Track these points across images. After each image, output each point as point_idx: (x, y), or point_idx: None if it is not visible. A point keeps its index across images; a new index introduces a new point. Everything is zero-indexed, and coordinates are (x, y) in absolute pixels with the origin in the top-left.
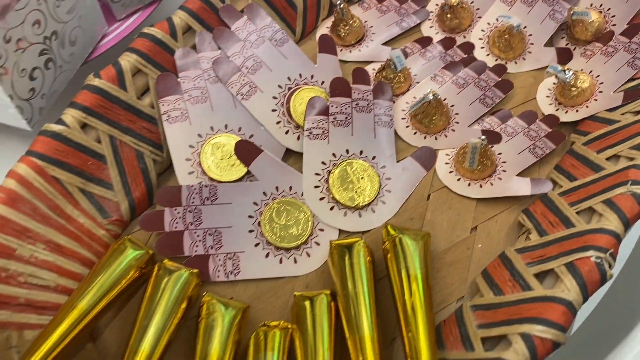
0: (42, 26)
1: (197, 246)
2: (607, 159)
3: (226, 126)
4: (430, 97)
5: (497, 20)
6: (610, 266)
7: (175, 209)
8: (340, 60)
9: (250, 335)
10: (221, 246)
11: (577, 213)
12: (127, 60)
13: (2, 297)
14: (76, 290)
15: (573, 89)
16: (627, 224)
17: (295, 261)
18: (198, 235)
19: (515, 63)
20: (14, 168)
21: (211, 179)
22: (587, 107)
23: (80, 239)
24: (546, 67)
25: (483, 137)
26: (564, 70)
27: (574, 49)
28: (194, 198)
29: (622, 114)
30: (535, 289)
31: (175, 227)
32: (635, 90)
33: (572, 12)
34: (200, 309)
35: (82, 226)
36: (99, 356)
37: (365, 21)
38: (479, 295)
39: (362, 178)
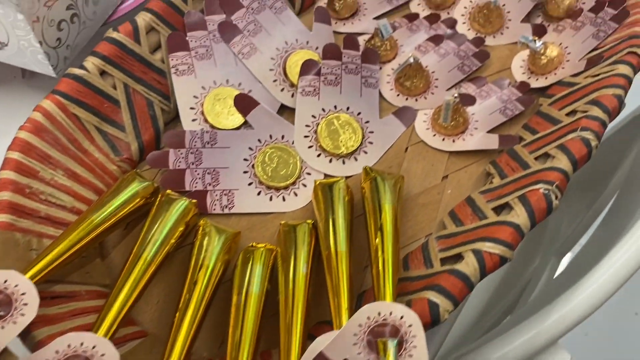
0: None
1: (196, 183)
2: (567, 114)
3: (227, 81)
4: (412, 60)
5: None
6: (556, 197)
7: (179, 150)
8: (335, 32)
9: None
10: (218, 184)
11: (535, 158)
12: (143, 19)
13: (26, 209)
14: (88, 209)
15: (542, 57)
16: (576, 163)
17: (283, 199)
18: (198, 174)
19: (494, 37)
20: (41, 103)
21: (212, 126)
22: (555, 74)
23: (94, 170)
24: None
25: (456, 94)
26: (534, 40)
27: (548, 25)
28: (195, 141)
29: (584, 78)
30: (490, 218)
31: (179, 166)
32: (598, 57)
33: None
34: (197, 232)
35: (96, 160)
36: (107, 269)
37: None
38: (444, 229)
39: (347, 130)
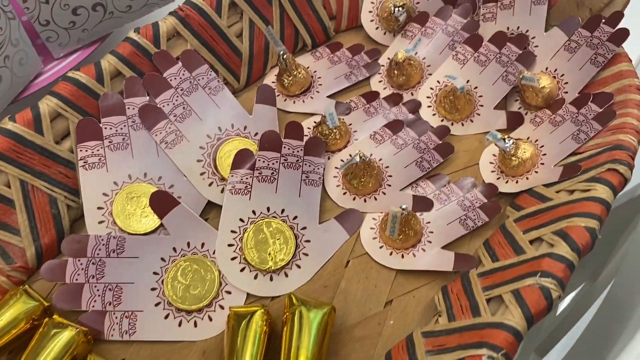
0: None
1: (95, 301)
2: (531, 241)
3: (145, 175)
4: (357, 159)
5: (446, 78)
6: None
7: (79, 260)
8: (283, 111)
9: None
10: (120, 303)
11: (488, 300)
12: (47, 104)
13: None
14: None
15: (513, 158)
16: (531, 320)
17: (195, 325)
18: (98, 290)
19: (462, 125)
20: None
21: (122, 230)
22: (527, 178)
23: None
24: None
25: (404, 206)
26: (504, 139)
27: (526, 113)
28: (99, 249)
29: (557, 192)
30: None
31: (76, 280)
32: (574, 167)
33: (521, 77)
34: None
35: None
36: None
37: (315, 71)
38: None
39: (278, 239)
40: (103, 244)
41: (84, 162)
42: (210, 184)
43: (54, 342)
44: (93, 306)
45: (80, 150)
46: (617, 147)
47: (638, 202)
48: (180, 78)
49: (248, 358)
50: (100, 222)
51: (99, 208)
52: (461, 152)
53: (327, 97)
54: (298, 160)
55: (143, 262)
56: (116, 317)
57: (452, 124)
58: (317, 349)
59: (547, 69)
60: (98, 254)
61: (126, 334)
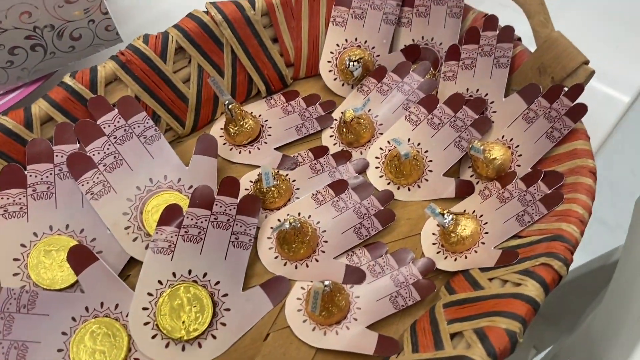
0: None
1: None
2: (452, 334)
3: (67, 226)
4: (287, 225)
5: (391, 141)
6: None
7: None
8: (228, 160)
9: None
10: None
11: None
12: None
13: None
14: None
15: (452, 235)
16: None
17: None
18: (3, 347)
19: (409, 190)
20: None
21: (36, 284)
22: (465, 257)
23: None
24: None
25: (327, 282)
26: (443, 214)
27: (477, 182)
28: (10, 304)
29: (491, 279)
30: None
31: None
32: (512, 253)
33: (470, 147)
34: None
35: None
36: None
37: (266, 120)
38: None
39: (194, 307)
40: (14, 298)
41: (4, 211)
42: (134, 239)
43: None
44: None
45: (2, 198)
46: (557, 238)
47: (610, 270)
48: (115, 126)
49: None
50: (15, 275)
51: (15, 259)
52: (403, 220)
53: (275, 149)
54: (229, 219)
55: (53, 320)
56: None
57: (398, 188)
58: None
59: (503, 137)
60: (8, 309)
61: None
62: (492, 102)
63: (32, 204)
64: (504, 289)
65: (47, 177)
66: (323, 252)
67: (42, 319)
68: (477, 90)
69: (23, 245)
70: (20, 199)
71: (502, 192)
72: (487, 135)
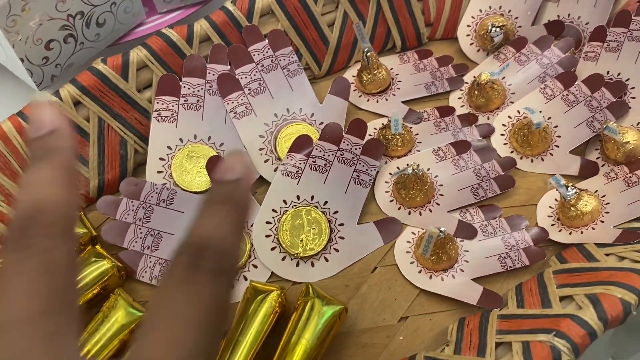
0: (67, 4)
1: (136, 242)
2: (562, 297)
3: (209, 138)
4: (409, 171)
5: (525, 110)
6: None
7: (132, 202)
8: (355, 106)
9: None
10: (157, 250)
11: (497, 344)
12: (137, 54)
13: None
14: None
15: (572, 209)
16: None
17: None
18: (141, 232)
19: (532, 161)
20: (0, 122)
21: (175, 184)
22: (582, 232)
23: None
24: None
25: (443, 229)
26: (567, 186)
27: (603, 165)
28: (152, 196)
29: (607, 255)
30: None
31: (125, 219)
32: (633, 234)
33: (605, 126)
34: (107, 300)
35: None
36: None
37: (397, 74)
38: None
39: (313, 229)
40: (156, 192)
41: (158, 114)
42: (265, 161)
43: (91, 269)
44: (133, 246)
45: (157, 103)
46: None
47: None
48: (263, 55)
49: (253, 332)
50: (159, 172)
51: (161, 159)
52: (522, 189)
53: (402, 102)
54: (354, 157)
55: (186, 217)
56: (150, 262)
57: (521, 158)
58: (318, 342)
59: (638, 124)
60: (149, 200)
61: (155, 279)
62: (633, 88)
63: (182, 113)
64: (621, 264)
65: (198, 90)
66: (438, 204)
67: (177, 215)
68: (619, 74)
69: (169, 148)
70: (173, 106)
71: (630, 177)
72: (622, 120)
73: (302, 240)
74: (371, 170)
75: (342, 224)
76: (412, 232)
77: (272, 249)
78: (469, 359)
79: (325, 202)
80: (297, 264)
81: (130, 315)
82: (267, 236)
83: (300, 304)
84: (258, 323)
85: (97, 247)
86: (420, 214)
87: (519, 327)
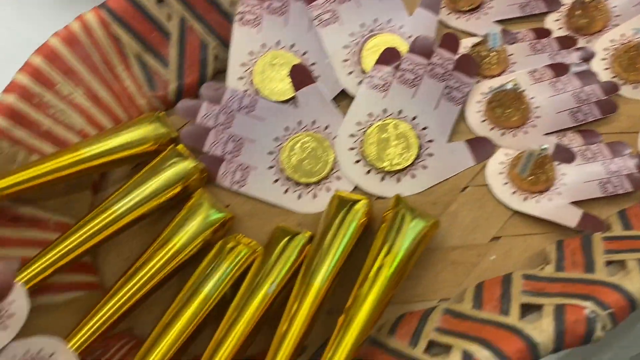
0: None
1: (217, 146)
2: None
3: (293, 45)
4: (510, 86)
5: (632, 31)
6: (604, 327)
7: (213, 106)
8: (443, 23)
9: None
10: (238, 155)
11: (607, 263)
12: None
13: (28, 118)
14: (93, 136)
15: None
16: None
17: (299, 197)
18: (222, 137)
19: (635, 88)
20: (83, 14)
21: (257, 91)
22: None
23: (120, 98)
24: None
25: (546, 146)
26: None
27: None
28: (233, 102)
29: None
30: (510, 316)
31: (206, 122)
32: None
33: None
34: (188, 200)
35: (125, 89)
36: (91, 204)
37: None
38: (458, 303)
39: (401, 143)
40: (237, 98)
41: (241, 17)
42: (349, 73)
43: (173, 167)
44: (214, 150)
45: (241, 5)
46: None
47: None
48: None
49: (340, 243)
50: (240, 78)
51: (242, 65)
52: (624, 116)
53: (494, 22)
54: (445, 73)
55: (268, 125)
56: (231, 167)
57: (623, 84)
58: (408, 255)
59: None
60: (231, 105)
61: (236, 184)
62: None
63: (266, 17)
64: None
65: None
66: (534, 126)
67: (258, 122)
68: None
69: (251, 53)
70: (256, 9)
71: None
72: None
73: (388, 154)
74: (464, 88)
75: (431, 140)
76: (506, 154)
77: (356, 162)
78: (575, 274)
79: (414, 117)
80: (382, 179)
81: (214, 214)
82: (351, 149)
83: (390, 215)
84: (343, 233)
85: (180, 146)
86: (514, 135)
87: (631, 247)
